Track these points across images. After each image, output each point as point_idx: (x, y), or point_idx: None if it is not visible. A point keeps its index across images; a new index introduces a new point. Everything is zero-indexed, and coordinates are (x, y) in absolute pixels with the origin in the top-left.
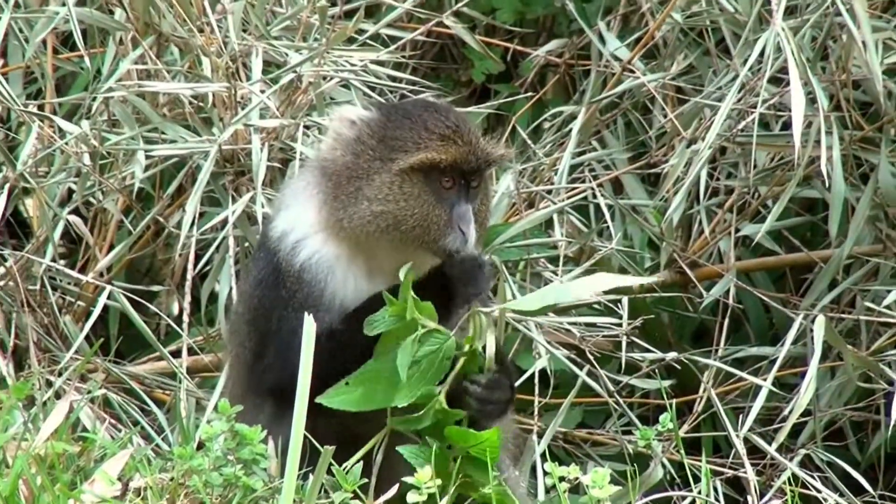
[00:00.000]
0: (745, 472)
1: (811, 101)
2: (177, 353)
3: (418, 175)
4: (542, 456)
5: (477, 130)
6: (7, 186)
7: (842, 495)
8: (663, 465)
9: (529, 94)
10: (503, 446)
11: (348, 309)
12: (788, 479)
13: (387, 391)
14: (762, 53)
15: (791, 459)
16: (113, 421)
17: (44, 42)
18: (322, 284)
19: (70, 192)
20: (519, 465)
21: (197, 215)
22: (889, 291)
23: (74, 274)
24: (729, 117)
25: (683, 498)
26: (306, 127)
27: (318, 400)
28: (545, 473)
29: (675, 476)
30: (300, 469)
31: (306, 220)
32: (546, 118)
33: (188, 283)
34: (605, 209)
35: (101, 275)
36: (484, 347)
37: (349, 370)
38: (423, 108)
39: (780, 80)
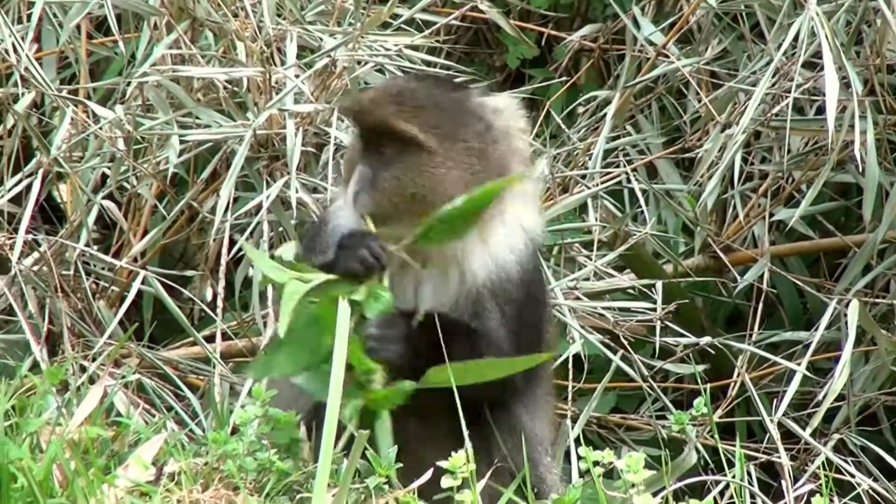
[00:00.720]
0: (779, 457)
1: (845, 85)
2: (210, 339)
3: (354, 130)
4: (576, 440)
5: (392, 93)
6: (41, 171)
7: (875, 480)
8: (697, 450)
9: (564, 78)
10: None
11: None
12: (822, 463)
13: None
14: (796, 38)
15: (825, 444)
16: (147, 406)
17: (78, 27)
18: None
19: (104, 177)
20: (553, 450)
21: (231, 200)
22: None
23: (108, 259)
24: (763, 102)
25: (717, 483)
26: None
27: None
28: (579, 458)
29: (709, 461)
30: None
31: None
32: (580, 103)
33: (222, 268)
34: (639, 194)
35: (135, 260)
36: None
37: None
38: (413, 76)
39: (814, 64)
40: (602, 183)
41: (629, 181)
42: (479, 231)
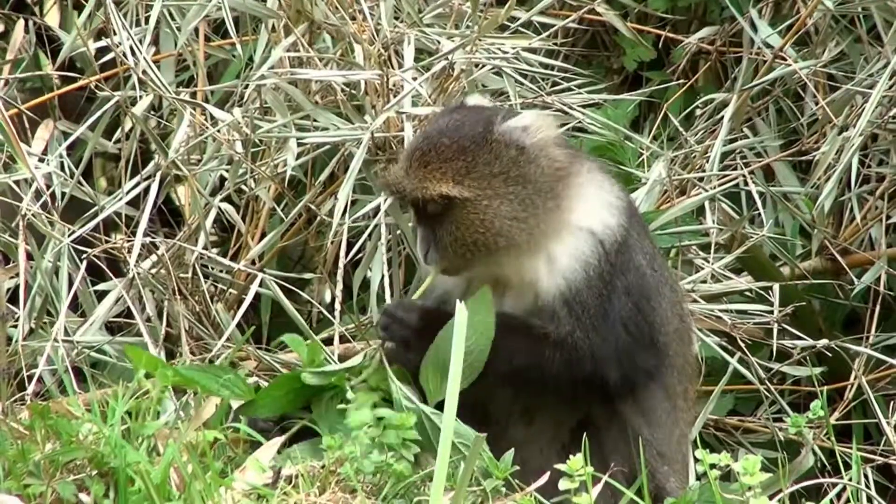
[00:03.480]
0: None
1: None
2: (328, 341)
3: None
4: (694, 443)
5: (418, 165)
6: (159, 174)
7: None
8: (814, 453)
9: (681, 81)
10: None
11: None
12: None
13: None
14: None
15: None
16: None
17: (196, 30)
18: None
19: (222, 179)
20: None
21: (349, 203)
22: None
23: (226, 262)
24: (880, 104)
25: (834, 485)
26: None
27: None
28: (696, 461)
29: (826, 463)
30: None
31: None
32: (697, 105)
33: (340, 271)
34: (756, 196)
35: (253, 262)
36: None
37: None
38: (439, 119)
39: None
40: (719, 185)
41: (746, 184)
42: (546, 249)
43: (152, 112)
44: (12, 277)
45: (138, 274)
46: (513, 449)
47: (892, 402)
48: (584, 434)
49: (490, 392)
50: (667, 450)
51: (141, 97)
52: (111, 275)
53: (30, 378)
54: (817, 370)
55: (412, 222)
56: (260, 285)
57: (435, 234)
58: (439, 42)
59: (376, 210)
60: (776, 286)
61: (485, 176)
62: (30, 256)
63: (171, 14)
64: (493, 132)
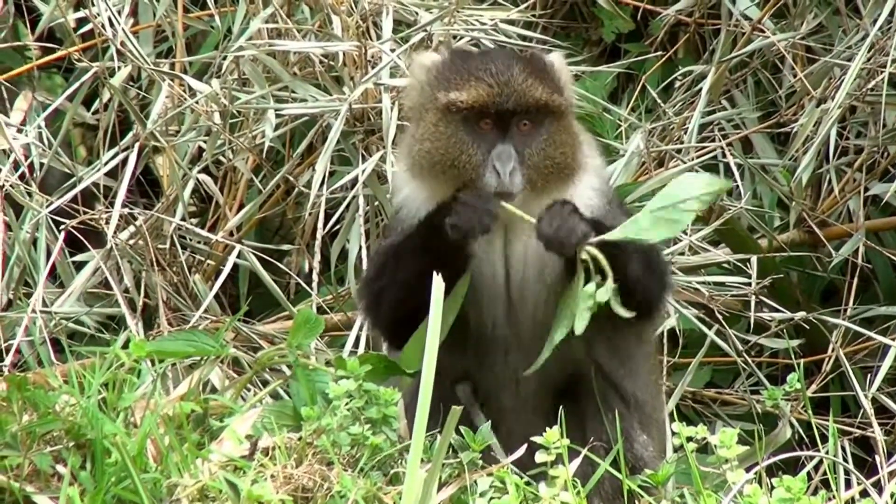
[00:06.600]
0: (873, 432)
1: None
2: None
3: (452, 115)
4: (671, 415)
5: (521, 74)
6: (137, 145)
7: None
8: (791, 425)
9: (659, 53)
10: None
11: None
12: None
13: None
14: (892, 12)
15: None
16: None
17: (174, 1)
18: (413, 219)
19: (200, 150)
20: (649, 430)
21: (327, 174)
22: None
23: (204, 233)
24: (858, 76)
25: (811, 458)
26: None
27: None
28: (673, 433)
29: (803, 436)
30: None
31: (400, 166)
32: (676, 77)
33: (318, 243)
34: (734, 168)
35: (231, 234)
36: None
37: (400, 281)
38: (484, 52)
39: None
40: (697, 157)
41: (724, 156)
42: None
43: (131, 83)
44: None
45: (116, 245)
46: (489, 421)
47: (869, 375)
48: (561, 407)
49: (480, 362)
50: (649, 409)
51: (119, 68)
52: (89, 246)
53: (7, 349)
54: (795, 342)
55: (470, 149)
56: (238, 256)
57: (519, 153)
58: (417, 13)
59: (354, 181)
60: (754, 258)
61: (565, 96)
62: (8, 227)
63: None
64: (547, 61)
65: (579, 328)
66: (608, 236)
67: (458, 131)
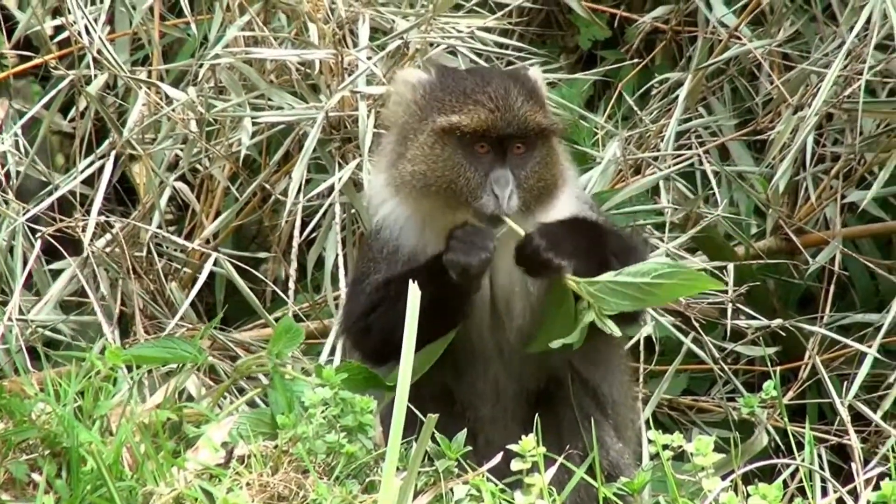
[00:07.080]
0: (850, 440)
1: None
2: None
3: (449, 138)
4: (647, 423)
5: (518, 97)
6: (114, 153)
7: None
8: (768, 433)
9: (636, 60)
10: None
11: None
12: (893, 446)
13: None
14: (868, 20)
15: None
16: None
17: (150, 8)
18: (396, 241)
19: (177, 158)
20: (624, 435)
21: (303, 182)
22: None
23: (181, 241)
24: (835, 84)
25: (787, 465)
26: None
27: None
28: (649, 441)
29: (780, 443)
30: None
31: (379, 181)
32: (652, 85)
33: (294, 250)
34: (711, 176)
35: (208, 241)
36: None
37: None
38: (474, 73)
39: (886, 46)
40: (674, 165)
41: (701, 163)
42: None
43: (107, 91)
44: None
45: (93, 253)
46: (465, 430)
47: (845, 382)
48: (537, 415)
49: (460, 372)
50: (620, 397)
51: (96, 76)
52: (66, 254)
53: None
54: (771, 350)
55: (468, 172)
56: (214, 264)
57: (514, 175)
58: (394, 21)
59: (330, 189)
60: (731, 266)
61: (548, 111)
62: None
63: None
64: (532, 78)
65: (578, 343)
66: (581, 282)
67: (455, 154)
